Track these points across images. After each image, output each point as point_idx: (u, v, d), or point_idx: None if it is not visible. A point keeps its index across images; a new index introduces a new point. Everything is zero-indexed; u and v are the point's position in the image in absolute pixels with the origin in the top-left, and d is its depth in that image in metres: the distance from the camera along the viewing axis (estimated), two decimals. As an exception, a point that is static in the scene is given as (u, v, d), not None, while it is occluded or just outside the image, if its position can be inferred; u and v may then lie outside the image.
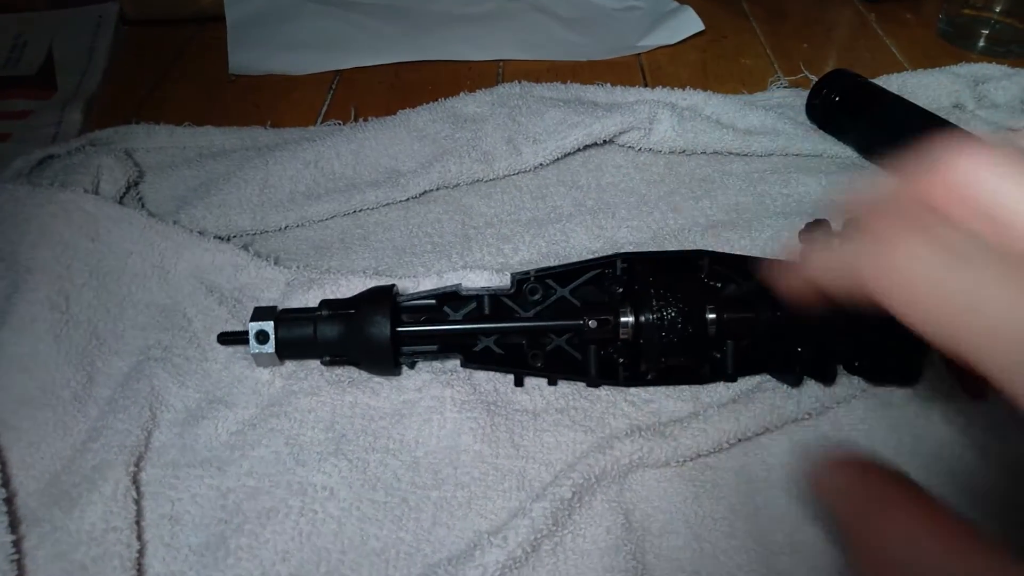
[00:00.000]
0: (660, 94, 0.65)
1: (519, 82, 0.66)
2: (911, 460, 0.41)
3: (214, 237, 0.51)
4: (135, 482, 0.39)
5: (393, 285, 0.43)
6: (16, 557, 0.35)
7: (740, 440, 0.41)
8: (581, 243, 0.54)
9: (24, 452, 0.41)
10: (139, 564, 0.36)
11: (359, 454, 0.41)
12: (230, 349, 0.45)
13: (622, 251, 0.43)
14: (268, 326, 0.42)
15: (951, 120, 0.58)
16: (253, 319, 0.42)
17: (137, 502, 0.38)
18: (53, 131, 0.66)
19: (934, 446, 0.41)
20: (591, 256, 0.45)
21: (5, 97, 0.72)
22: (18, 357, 0.44)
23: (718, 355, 0.43)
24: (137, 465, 0.40)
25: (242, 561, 0.36)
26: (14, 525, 0.37)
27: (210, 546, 0.37)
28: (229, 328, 0.45)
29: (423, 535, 0.38)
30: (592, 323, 0.40)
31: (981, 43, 0.77)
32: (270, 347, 0.42)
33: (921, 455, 0.41)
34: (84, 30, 0.80)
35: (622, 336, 0.40)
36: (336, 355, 0.42)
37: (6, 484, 0.39)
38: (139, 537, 0.37)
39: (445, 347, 0.43)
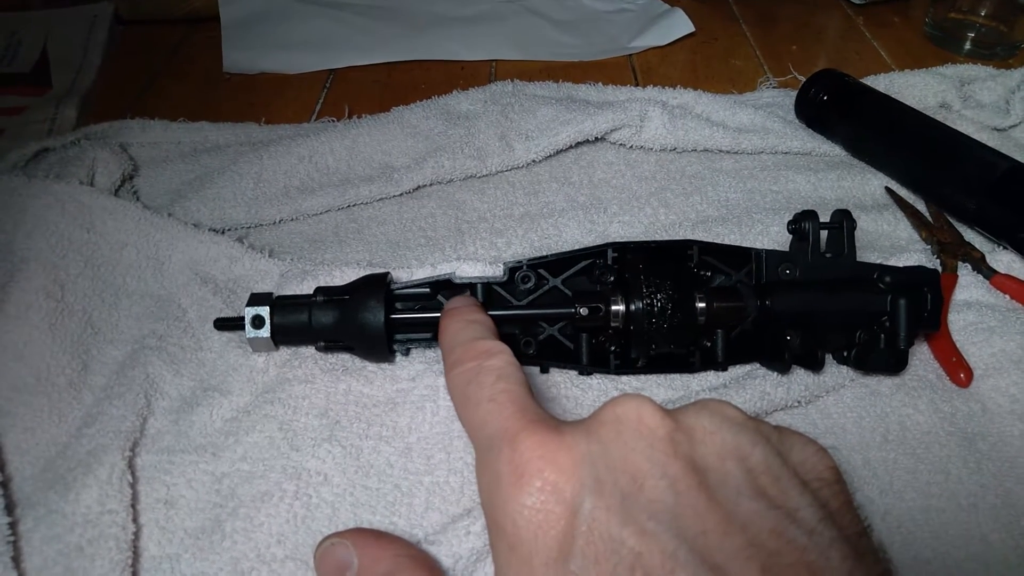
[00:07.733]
0: (651, 93, 0.65)
1: (512, 80, 0.67)
2: (898, 448, 0.41)
3: (209, 230, 0.52)
4: (130, 467, 0.39)
5: (387, 273, 0.43)
6: (12, 539, 0.35)
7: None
8: (573, 237, 0.55)
9: (19, 438, 0.41)
10: (135, 546, 0.36)
11: (353, 440, 0.41)
12: (225, 338, 0.45)
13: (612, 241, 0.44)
14: (264, 311, 0.42)
15: (938, 119, 0.59)
16: (249, 304, 0.42)
17: (132, 486, 0.38)
18: (47, 127, 0.66)
19: (920, 434, 0.42)
20: (583, 250, 0.45)
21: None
22: (13, 345, 0.44)
23: (708, 343, 0.43)
24: (132, 450, 0.39)
25: (237, 544, 0.36)
26: (10, 508, 0.37)
27: (205, 529, 0.37)
28: (224, 318, 0.45)
29: (416, 520, 0.38)
30: (583, 311, 0.41)
31: (967, 46, 0.78)
32: (265, 331, 0.42)
33: (908, 443, 0.41)
34: (79, 28, 0.80)
35: (613, 324, 0.41)
36: (330, 340, 0.43)
37: (2, 468, 0.39)
38: (134, 520, 0.37)
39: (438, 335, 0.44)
